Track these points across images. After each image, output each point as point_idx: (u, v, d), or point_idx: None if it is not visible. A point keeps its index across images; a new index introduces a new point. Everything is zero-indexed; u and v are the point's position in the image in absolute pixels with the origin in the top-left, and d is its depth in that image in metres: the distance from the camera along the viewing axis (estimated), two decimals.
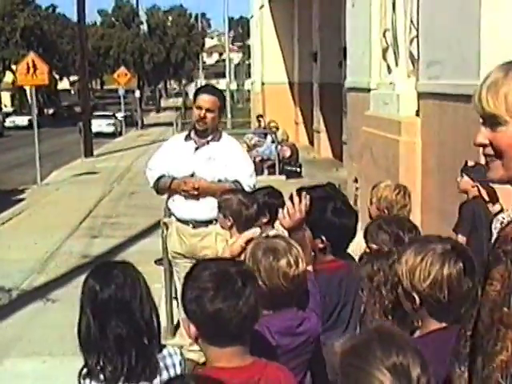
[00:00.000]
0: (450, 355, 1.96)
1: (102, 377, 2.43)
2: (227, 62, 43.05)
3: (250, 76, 68.45)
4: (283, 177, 14.95)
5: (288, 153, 15.77)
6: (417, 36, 8.25)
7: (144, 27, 60.31)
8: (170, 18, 64.08)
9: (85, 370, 2.49)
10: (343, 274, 3.36)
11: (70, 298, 6.79)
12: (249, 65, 77.29)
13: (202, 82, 75.04)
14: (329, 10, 17.96)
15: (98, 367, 2.44)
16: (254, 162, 16.75)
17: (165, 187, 5.26)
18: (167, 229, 5.46)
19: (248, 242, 2.68)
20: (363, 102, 10.10)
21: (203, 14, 75.79)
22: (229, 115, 33.79)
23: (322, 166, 17.06)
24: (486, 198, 4.64)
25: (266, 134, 19.15)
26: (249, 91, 61.83)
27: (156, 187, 5.32)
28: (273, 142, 17.61)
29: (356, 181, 10.74)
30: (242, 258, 2.66)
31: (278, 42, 22.03)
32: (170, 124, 28.23)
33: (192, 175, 5.11)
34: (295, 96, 22.15)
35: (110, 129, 37.50)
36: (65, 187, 16.75)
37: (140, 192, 15.64)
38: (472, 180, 5.50)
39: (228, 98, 38.22)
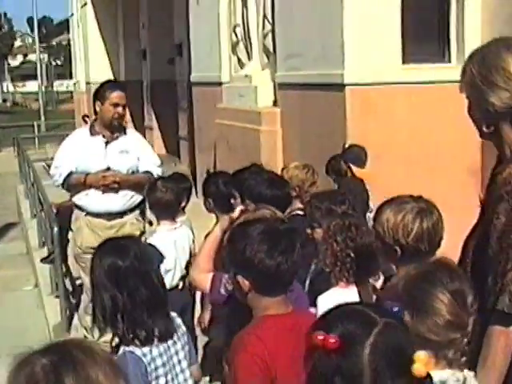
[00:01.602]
0: None
1: (137, 342, 2.56)
2: (38, 64, 41.77)
3: (59, 77, 66.93)
4: None
5: None
6: (272, 30, 8.70)
7: None
8: None
9: (116, 340, 2.61)
10: None
11: None
12: (57, 65, 75.45)
13: (8, 84, 72.43)
14: (157, 8, 18.08)
15: (131, 334, 2.57)
16: None
17: (77, 183, 5.25)
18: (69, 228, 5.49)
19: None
20: (213, 96, 10.43)
21: (5, 14, 72.90)
22: (42, 117, 33.02)
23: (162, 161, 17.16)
24: None
25: None
26: (58, 93, 60.93)
27: (65, 184, 5.29)
28: None
29: (208, 172, 11.05)
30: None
31: (102, 41, 21.83)
32: None
33: (108, 169, 5.18)
34: None
35: None
36: None
37: None
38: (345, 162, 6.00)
39: (40, 101, 37.35)
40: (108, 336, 2.69)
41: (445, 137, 6.90)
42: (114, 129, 5.33)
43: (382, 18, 6.95)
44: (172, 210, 4.42)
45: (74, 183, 5.28)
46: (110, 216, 5.27)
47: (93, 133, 5.35)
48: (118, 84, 5.53)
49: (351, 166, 6.01)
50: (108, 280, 2.60)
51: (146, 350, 2.57)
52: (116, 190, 5.24)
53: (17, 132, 26.61)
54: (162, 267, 4.34)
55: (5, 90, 70.13)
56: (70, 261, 7.12)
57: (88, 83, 22.68)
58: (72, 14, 24.96)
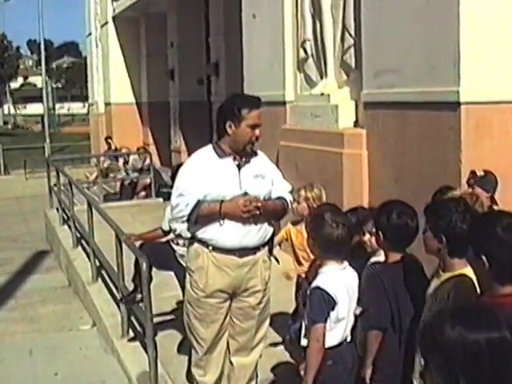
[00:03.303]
0: None
1: None
2: (44, 86, 41.03)
3: (59, 100, 66.21)
4: (160, 199, 14.20)
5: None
6: (354, 44, 7.98)
7: None
8: None
9: None
10: None
11: None
12: (57, 88, 74.80)
13: (10, 106, 71.66)
14: (188, 26, 17.44)
15: None
16: (123, 185, 15.97)
17: (210, 213, 4.36)
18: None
19: None
20: (274, 116, 9.67)
21: (5, 36, 72.16)
22: (48, 140, 32.22)
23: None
24: None
25: (117, 157, 18.32)
26: (59, 115, 60.24)
27: (193, 216, 4.38)
28: (126, 163, 16.83)
29: None
30: None
31: (123, 61, 21.16)
32: None
33: (245, 194, 4.38)
34: (144, 116, 21.38)
35: None
36: None
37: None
38: (486, 191, 5.29)
39: (46, 124, 36.59)
40: None
41: None
42: (244, 153, 4.52)
43: (498, 32, 6.27)
44: (343, 249, 3.65)
45: (206, 213, 4.36)
46: (243, 252, 4.44)
47: (220, 155, 4.47)
48: (254, 100, 4.57)
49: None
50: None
51: None
52: (255, 221, 4.40)
53: (22, 154, 25.85)
54: (333, 315, 3.60)
55: (6, 112, 69.45)
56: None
57: (108, 104, 22.00)
58: (90, 34, 24.25)
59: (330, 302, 3.55)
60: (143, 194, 14.81)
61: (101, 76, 23.06)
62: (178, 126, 18.41)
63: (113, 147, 19.79)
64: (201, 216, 4.37)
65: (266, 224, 4.52)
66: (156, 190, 14.41)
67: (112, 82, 21.40)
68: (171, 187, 13.81)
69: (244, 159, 4.50)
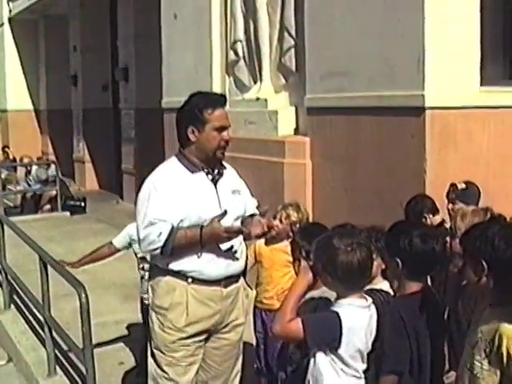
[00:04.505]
0: None
1: None
2: None
3: None
4: (67, 213, 13.20)
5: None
6: (294, 46, 7.40)
7: None
8: None
9: None
10: None
11: None
12: None
13: None
14: (91, 30, 16.52)
15: None
16: (25, 198, 14.81)
17: (189, 242, 3.58)
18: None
19: None
20: None
21: None
22: None
23: (98, 199, 15.43)
24: None
25: (15, 168, 17.15)
26: None
27: (169, 246, 3.57)
28: (27, 173, 15.69)
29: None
30: None
31: (20, 65, 19.90)
32: None
33: (225, 214, 3.59)
34: (43, 124, 20.19)
35: None
36: None
37: None
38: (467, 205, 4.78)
39: None
40: None
41: None
42: (217, 162, 3.80)
43: (460, 35, 5.83)
44: (365, 274, 2.97)
45: (184, 243, 3.56)
46: (228, 281, 3.75)
47: (192, 169, 3.73)
48: (217, 97, 3.90)
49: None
50: None
51: None
52: (237, 247, 3.74)
53: None
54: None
55: None
56: None
57: (4, 111, 20.66)
58: None
59: (335, 335, 2.88)
60: (48, 207, 13.71)
61: None
62: (82, 135, 17.39)
63: (11, 157, 18.49)
64: (178, 247, 3.58)
65: (243, 243, 3.85)
66: (62, 202, 13.37)
67: (8, 87, 20.09)
68: (79, 200, 12.82)
69: (217, 171, 3.79)
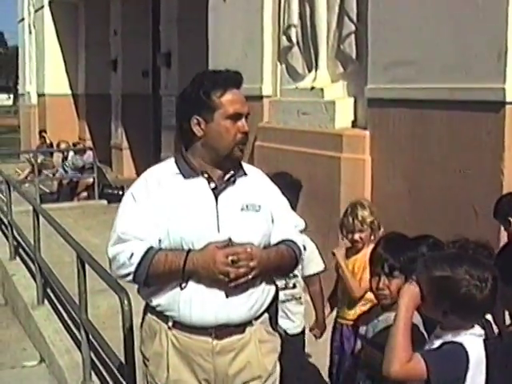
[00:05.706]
0: None
1: None
2: None
3: None
4: (104, 201, 12.81)
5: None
6: (355, 31, 6.85)
7: None
8: None
9: None
10: None
11: None
12: None
13: None
14: (134, 13, 16.09)
15: None
16: (61, 184, 14.45)
17: (169, 269, 2.69)
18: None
19: None
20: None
21: None
22: None
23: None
24: None
25: (51, 153, 16.88)
26: None
27: (141, 273, 2.71)
28: (64, 159, 15.32)
29: None
30: None
31: (60, 49, 19.56)
32: None
33: (228, 242, 2.71)
34: (80, 109, 19.86)
35: None
36: None
37: None
38: None
39: None
40: None
41: None
42: (230, 164, 2.86)
43: None
44: (486, 312, 2.44)
45: (162, 270, 2.69)
46: (223, 331, 2.77)
47: (187, 173, 2.82)
48: (230, 75, 2.85)
49: None
50: None
51: None
52: (246, 287, 2.75)
53: None
54: None
55: None
56: None
57: (42, 95, 20.37)
58: (22, 19, 22.49)
59: (461, 372, 2.36)
60: (85, 194, 13.36)
61: (34, 65, 21.37)
62: (120, 121, 16.98)
63: (48, 142, 18.20)
64: (154, 275, 2.71)
65: (263, 284, 2.85)
66: (99, 190, 12.99)
67: (47, 71, 19.80)
68: (116, 188, 12.38)
69: (228, 177, 2.86)
